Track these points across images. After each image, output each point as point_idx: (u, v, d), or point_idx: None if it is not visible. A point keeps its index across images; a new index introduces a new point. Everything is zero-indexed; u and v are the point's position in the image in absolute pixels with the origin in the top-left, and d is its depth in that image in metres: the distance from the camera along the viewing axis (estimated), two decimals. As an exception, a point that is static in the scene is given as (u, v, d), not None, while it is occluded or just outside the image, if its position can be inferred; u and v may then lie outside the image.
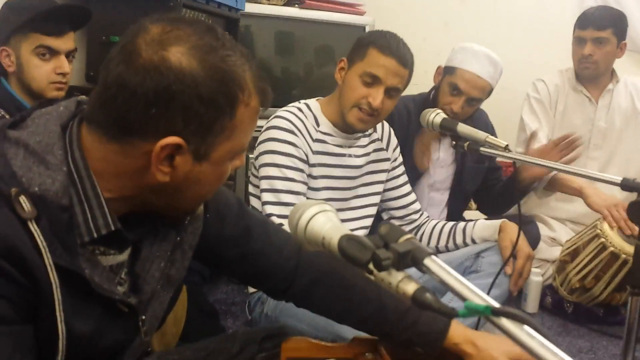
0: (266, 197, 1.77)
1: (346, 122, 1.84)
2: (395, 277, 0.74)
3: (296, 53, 3.00)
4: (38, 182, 0.83)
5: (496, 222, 2.01)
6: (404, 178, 2.12)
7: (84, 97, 0.95)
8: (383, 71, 1.76)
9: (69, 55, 1.84)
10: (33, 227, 0.81)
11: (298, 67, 3.03)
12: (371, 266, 0.76)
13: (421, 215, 2.15)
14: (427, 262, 0.74)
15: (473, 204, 2.80)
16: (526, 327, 0.63)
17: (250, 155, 1.94)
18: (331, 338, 1.47)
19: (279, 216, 1.73)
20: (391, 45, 1.77)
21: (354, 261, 0.78)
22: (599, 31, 2.54)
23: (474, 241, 2.04)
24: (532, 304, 2.45)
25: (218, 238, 1.17)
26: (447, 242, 2.08)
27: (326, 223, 0.85)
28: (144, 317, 1.00)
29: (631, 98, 2.70)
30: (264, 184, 1.78)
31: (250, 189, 1.90)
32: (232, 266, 1.25)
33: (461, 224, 2.09)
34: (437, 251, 2.10)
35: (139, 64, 0.83)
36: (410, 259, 0.75)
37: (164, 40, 0.84)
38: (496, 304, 0.66)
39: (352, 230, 1.52)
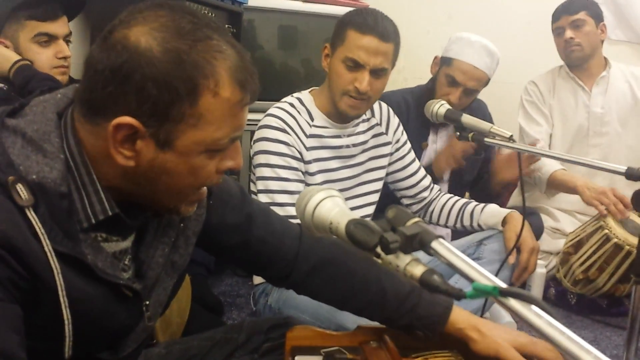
0: (261, 198, 1.76)
1: (338, 110, 1.82)
2: (402, 260, 0.75)
3: (299, 47, 3.00)
4: (36, 170, 0.83)
5: (503, 212, 1.98)
6: (411, 156, 2.09)
7: None
8: (364, 54, 1.71)
9: (66, 38, 1.84)
10: (31, 215, 0.81)
11: (301, 61, 3.02)
12: (379, 250, 0.76)
13: (431, 190, 2.13)
14: (435, 244, 0.74)
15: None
16: (534, 307, 0.64)
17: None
18: (334, 328, 1.47)
19: None
20: (368, 23, 1.71)
21: (362, 245, 0.78)
22: (572, 15, 2.60)
23: (480, 226, 2.01)
24: (535, 295, 2.45)
25: (220, 225, 1.17)
26: (455, 222, 2.07)
27: (333, 208, 0.85)
28: (147, 303, 1.01)
29: (629, 86, 2.70)
30: (260, 185, 1.77)
31: (252, 187, 1.88)
32: (234, 253, 1.25)
33: (470, 206, 2.06)
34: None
35: (109, 42, 0.83)
36: (418, 242, 0.75)
37: (132, 19, 0.84)
38: (503, 285, 0.66)
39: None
